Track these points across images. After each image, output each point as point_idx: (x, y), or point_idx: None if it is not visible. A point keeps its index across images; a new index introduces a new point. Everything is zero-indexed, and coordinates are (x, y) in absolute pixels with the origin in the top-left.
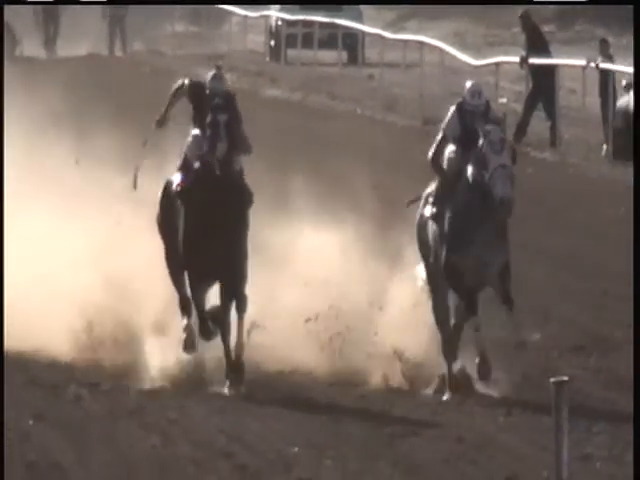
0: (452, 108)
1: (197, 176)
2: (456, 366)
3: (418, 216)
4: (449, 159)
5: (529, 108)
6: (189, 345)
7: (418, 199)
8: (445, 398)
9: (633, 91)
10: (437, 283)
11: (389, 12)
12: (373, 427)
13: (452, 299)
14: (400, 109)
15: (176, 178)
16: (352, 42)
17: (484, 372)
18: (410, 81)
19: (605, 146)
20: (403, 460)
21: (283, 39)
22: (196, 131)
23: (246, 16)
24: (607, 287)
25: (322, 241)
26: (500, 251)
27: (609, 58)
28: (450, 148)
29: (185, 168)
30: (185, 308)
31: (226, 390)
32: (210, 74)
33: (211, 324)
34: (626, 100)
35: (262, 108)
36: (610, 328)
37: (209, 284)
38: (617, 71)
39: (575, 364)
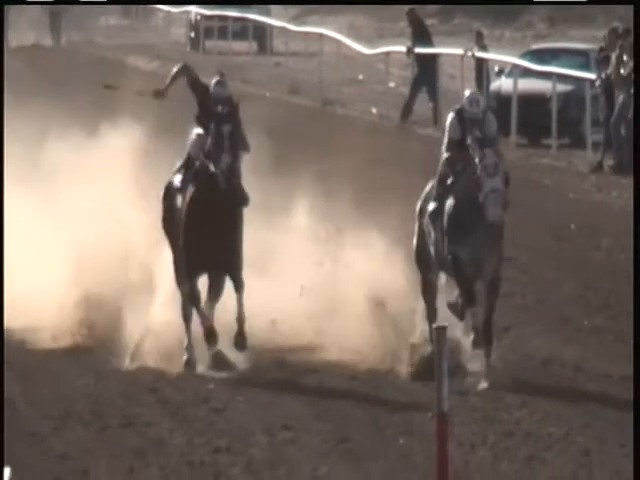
0: (451, 114)
1: (197, 177)
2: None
3: (418, 211)
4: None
5: (414, 91)
6: (190, 365)
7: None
8: None
9: (633, 91)
10: (430, 281)
11: (293, 8)
12: (280, 364)
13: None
14: (303, 92)
15: (177, 178)
16: (261, 34)
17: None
18: (311, 68)
19: None
20: (306, 393)
21: (202, 31)
22: (199, 130)
23: (169, 11)
24: None
25: None
26: (494, 249)
27: (484, 48)
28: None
29: (187, 166)
30: (186, 317)
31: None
32: (214, 80)
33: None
34: (498, 84)
35: (183, 91)
36: None
37: (206, 274)
38: (490, 59)
39: None
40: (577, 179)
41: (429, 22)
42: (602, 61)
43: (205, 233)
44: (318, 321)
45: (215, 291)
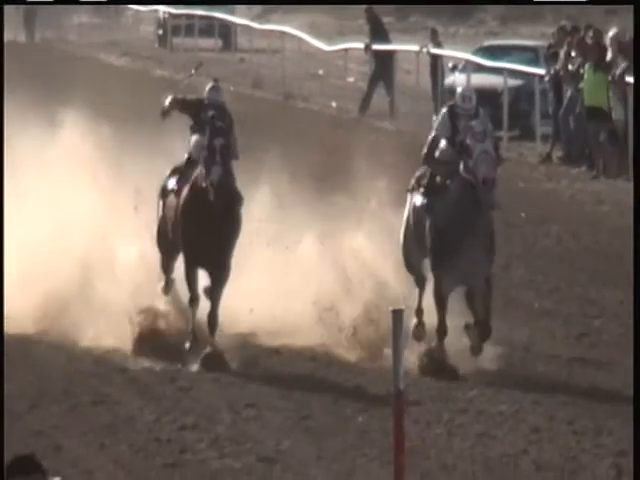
0: (443, 110)
1: (195, 181)
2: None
3: (409, 204)
4: (442, 151)
5: (372, 86)
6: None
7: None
8: None
9: (633, 92)
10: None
11: (257, 7)
12: (241, 347)
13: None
14: (266, 87)
15: (172, 181)
16: (226, 32)
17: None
18: (274, 64)
19: (434, 117)
20: (270, 372)
21: (169, 29)
22: (196, 136)
23: (138, 10)
24: None
25: None
26: (487, 253)
27: (438, 45)
28: (443, 143)
29: (188, 168)
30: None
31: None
32: (209, 85)
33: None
34: (452, 79)
35: (152, 86)
36: None
37: (201, 269)
38: (445, 55)
39: None
40: (527, 169)
41: (386, 20)
42: (551, 57)
43: (200, 232)
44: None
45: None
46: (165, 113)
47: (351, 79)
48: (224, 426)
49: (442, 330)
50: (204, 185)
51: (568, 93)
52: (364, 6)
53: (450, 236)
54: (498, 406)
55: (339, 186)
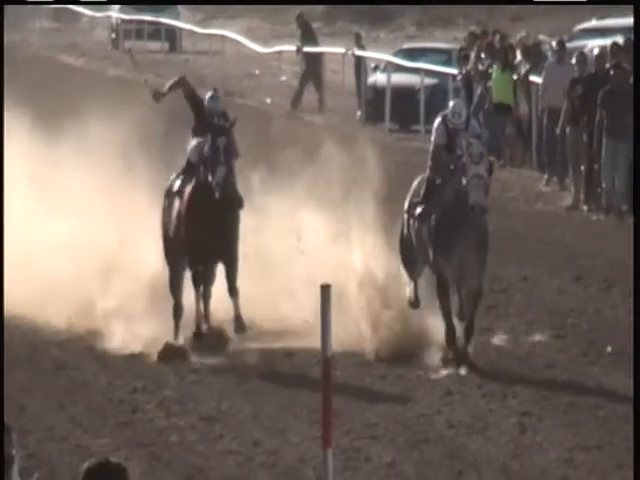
0: (437, 120)
1: (197, 183)
2: None
3: (405, 212)
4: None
5: (303, 84)
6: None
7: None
8: None
9: (633, 93)
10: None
11: (200, 13)
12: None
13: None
14: (208, 85)
15: (176, 183)
16: (172, 35)
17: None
18: (215, 64)
19: (359, 112)
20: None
21: (121, 33)
22: (196, 140)
23: (94, 16)
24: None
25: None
26: (481, 256)
27: (362, 47)
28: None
29: (187, 171)
30: (177, 313)
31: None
32: (208, 95)
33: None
34: (374, 78)
35: (106, 84)
36: None
37: (208, 264)
38: (367, 57)
39: None
40: None
41: (315, 25)
42: (462, 59)
43: (203, 230)
44: None
45: (210, 278)
46: (165, 93)
47: (284, 78)
48: (170, 389)
49: (450, 331)
50: (211, 183)
51: (478, 91)
52: (296, 12)
53: (447, 237)
54: (416, 371)
55: (273, 172)
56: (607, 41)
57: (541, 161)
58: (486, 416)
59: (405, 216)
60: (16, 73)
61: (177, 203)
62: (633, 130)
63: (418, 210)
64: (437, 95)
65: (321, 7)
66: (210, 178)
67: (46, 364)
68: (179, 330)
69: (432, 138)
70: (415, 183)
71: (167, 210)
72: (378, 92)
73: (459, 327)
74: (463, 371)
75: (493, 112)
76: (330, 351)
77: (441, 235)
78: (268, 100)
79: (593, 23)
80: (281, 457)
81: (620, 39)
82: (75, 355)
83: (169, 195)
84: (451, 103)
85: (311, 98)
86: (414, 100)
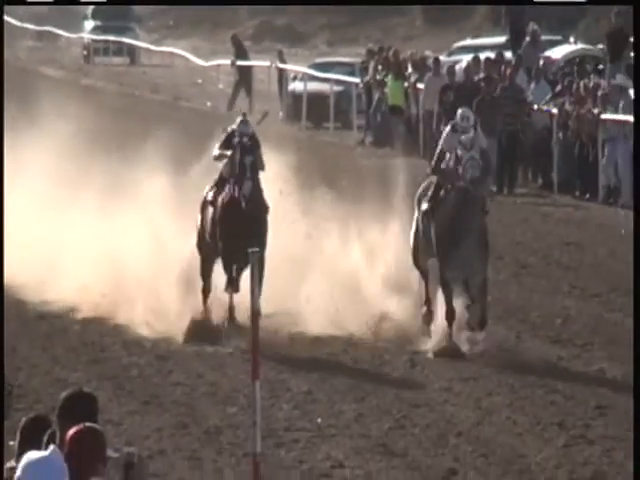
0: (447, 128)
1: (228, 195)
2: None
3: (416, 210)
4: (446, 162)
5: (236, 91)
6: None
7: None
8: None
9: (633, 92)
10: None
11: (155, 34)
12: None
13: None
14: (161, 91)
15: (210, 194)
16: (132, 52)
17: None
18: (167, 75)
19: (281, 113)
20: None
21: (92, 50)
22: (228, 158)
23: (69, 37)
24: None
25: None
26: (483, 250)
27: (284, 61)
28: (447, 155)
29: (220, 184)
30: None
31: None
32: (239, 119)
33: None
34: (293, 86)
35: (80, 92)
36: None
37: (239, 264)
38: (288, 69)
39: None
40: (347, 150)
41: (247, 43)
42: (363, 70)
43: (235, 235)
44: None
45: (238, 280)
46: (218, 159)
47: (221, 86)
48: (132, 334)
49: (450, 313)
50: (237, 196)
51: (376, 96)
52: (231, 33)
53: (452, 234)
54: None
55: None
56: (482, 56)
57: (427, 151)
58: (382, 355)
59: (415, 213)
60: (8, 82)
61: (211, 210)
62: (633, 130)
63: (424, 206)
64: (343, 99)
65: (250, 29)
66: (238, 191)
67: (31, 314)
68: (207, 308)
69: (440, 142)
70: (425, 183)
71: (203, 215)
72: (296, 97)
73: (473, 310)
74: None
75: (388, 113)
76: (259, 306)
77: (445, 234)
78: (209, 104)
79: (468, 41)
80: (220, 387)
81: (492, 54)
82: (54, 305)
83: (205, 205)
84: (459, 110)
85: (243, 102)
86: (325, 104)
